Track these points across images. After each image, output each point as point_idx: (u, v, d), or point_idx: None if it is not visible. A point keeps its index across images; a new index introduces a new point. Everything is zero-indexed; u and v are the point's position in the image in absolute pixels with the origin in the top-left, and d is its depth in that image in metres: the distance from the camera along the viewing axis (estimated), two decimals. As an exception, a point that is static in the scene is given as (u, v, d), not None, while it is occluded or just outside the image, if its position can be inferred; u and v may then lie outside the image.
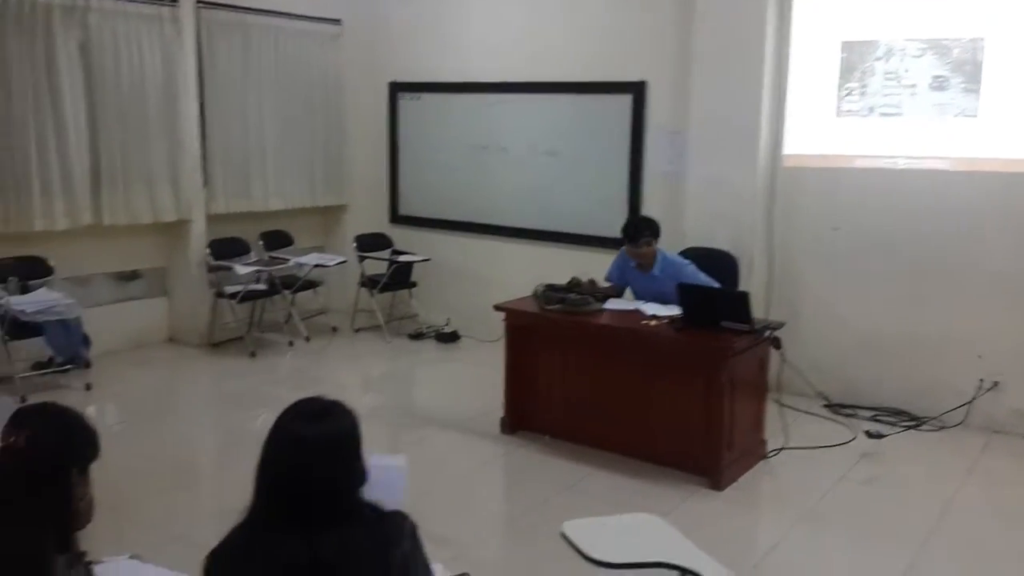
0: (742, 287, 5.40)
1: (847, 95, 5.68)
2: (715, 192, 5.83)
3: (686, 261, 5.10)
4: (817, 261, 5.81)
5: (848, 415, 5.48)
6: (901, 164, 5.50)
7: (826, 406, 5.61)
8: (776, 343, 4.71)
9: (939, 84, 5.38)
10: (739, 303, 4.53)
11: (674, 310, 4.73)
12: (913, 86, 5.46)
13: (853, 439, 5.08)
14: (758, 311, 4.89)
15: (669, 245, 5.92)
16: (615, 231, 6.40)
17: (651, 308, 4.88)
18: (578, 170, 6.68)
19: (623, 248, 5.16)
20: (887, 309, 5.58)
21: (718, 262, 5.58)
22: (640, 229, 5.03)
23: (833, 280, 5.76)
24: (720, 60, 5.77)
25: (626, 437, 4.69)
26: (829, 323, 5.76)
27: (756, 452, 4.74)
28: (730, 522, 4.11)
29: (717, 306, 4.56)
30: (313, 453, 1.76)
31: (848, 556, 3.81)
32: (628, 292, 5.29)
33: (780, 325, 4.78)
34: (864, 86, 5.62)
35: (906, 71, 5.47)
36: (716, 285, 4.96)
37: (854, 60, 5.63)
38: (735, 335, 4.41)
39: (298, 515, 1.73)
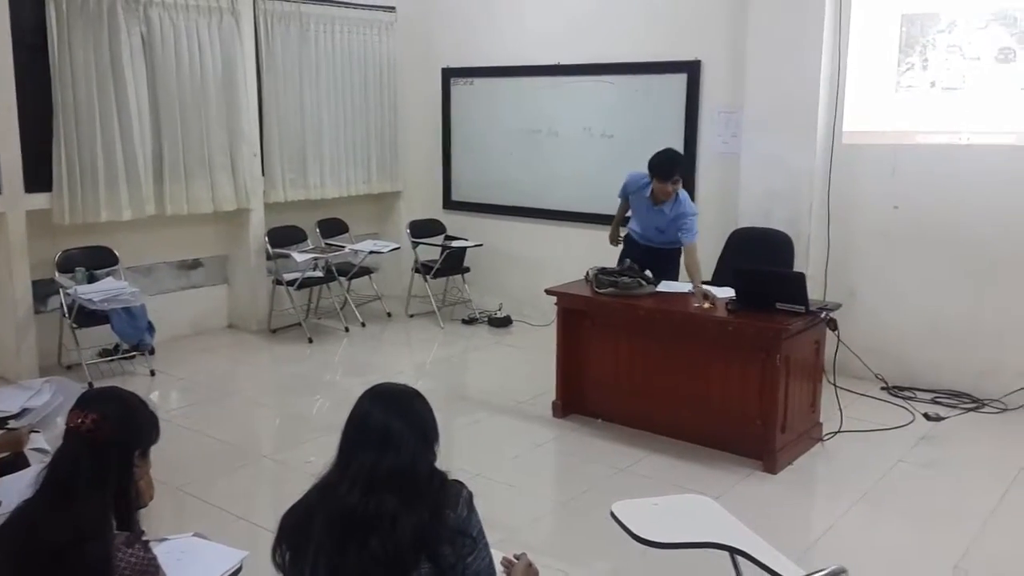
0: (798, 268, 5.34)
1: (907, 70, 5.54)
2: (771, 171, 5.75)
3: (695, 211, 5.12)
4: (876, 241, 5.69)
5: (906, 398, 5.38)
6: (964, 139, 5.36)
7: (884, 389, 5.52)
8: (832, 325, 4.63)
9: (1005, 56, 5.22)
10: (794, 284, 4.48)
11: (727, 292, 4.69)
12: (977, 59, 5.30)
13: (911, 422, 5.00)
14: (814, 292, 4.82)
15: (723, 224, 5.92)
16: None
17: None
18: (631, 152, 6.59)
19: (633, 174, 5.28)
20: (948, 290, 5.45)
21: (774, 242, 5.52)
22: (674, 168, 5.08)
23: (892, 260, 5.64)
24: (777, 37, 5.68)
25: (679, 420, 4.68)
26: (887, 305, 5.65)
27: (811, 435, 4.68)
28: (784, 505, 4.08)
29: (772, 288, 4.50)
30: (374, 430, 1.95)
31: (904, 540, 3.75)
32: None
33: (836, 307, 4.70)
34: (925, 60, 5.48)
35: (969, 43, 5.31)
36: (690, 237, 4.99)
37: (914, 33, 5.49)
38: (790, 317, 4.36)
39: (361, 479, 1.90)
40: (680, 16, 6.28)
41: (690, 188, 6.30)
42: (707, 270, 5.58)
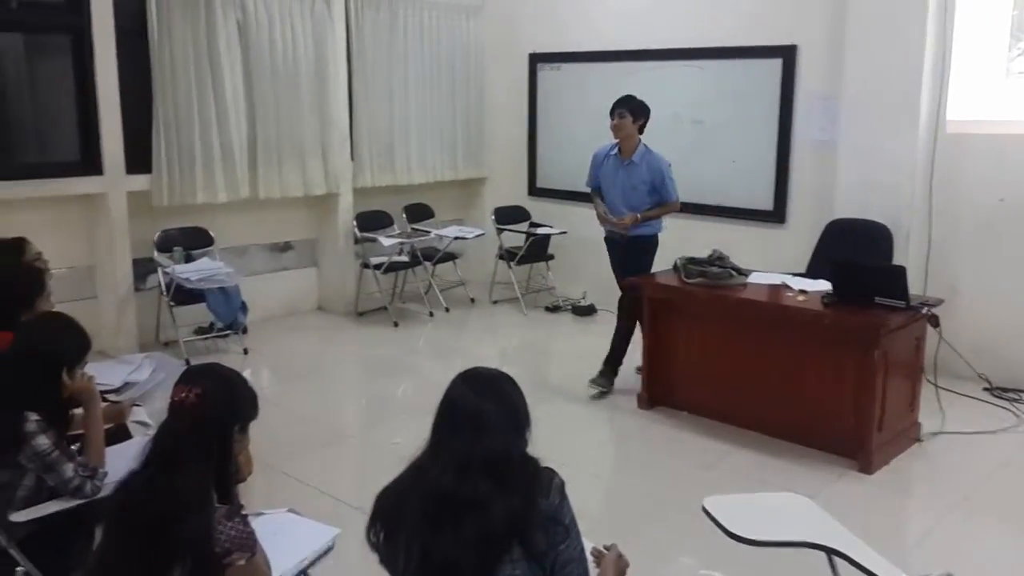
0: (897, 261, 5.15)
1: (1018, 55, 5.27)
2: (870, 161, 5.55)
3: (667, 161, 5.26)
4: (979, 235, 5.44)
5: (1011, 399, 5.14)
6: (1079, 130, 5.07)
7: (986, 389, 5.28)
8: (933, 321, 4.45)
9: None
10: (894, 278, 4.31)
11: (823, 284, 4.55)
12: (1096, 44, 5.02)
13: (1016, 424, 4.78)
14: (914, 287, 4.65)
15: (819, 215, 5.75)
16: (760, 203, 6.27)
17: (798, 283, 4.71)
18: (722, 139, 6.50)
19: (597, 150, 5.43)
20: (1058, 287, 5.18)
21: (872, 234, 5.35)
22: (618, 102, 5.17)
23: (996, 255, 5.38)
24: (878, 20, 5.46)
25: (770, 415, 4.56)
26: (991, 301, 5.40)
27: (909, 435, 4.52)
28: (880, 506, 3.94)
29: (871, 281, 4.35)
30: (467, 414, 1.95)
31: (1007, 547, 3.59)
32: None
33: (938, 302, 4.51)
34: (1039, 45, 5.21)
35: (1089, 28, 5.03)
36: (671, 194, 5.22)
37: (1028, 17, 5.22)
38: (889, 312, 4.21)
39: (454, 462, 1.90)
40: (776, -1, 6.10)
41: (784, 177, 6.16)
42: (802, 262, 5.45)
